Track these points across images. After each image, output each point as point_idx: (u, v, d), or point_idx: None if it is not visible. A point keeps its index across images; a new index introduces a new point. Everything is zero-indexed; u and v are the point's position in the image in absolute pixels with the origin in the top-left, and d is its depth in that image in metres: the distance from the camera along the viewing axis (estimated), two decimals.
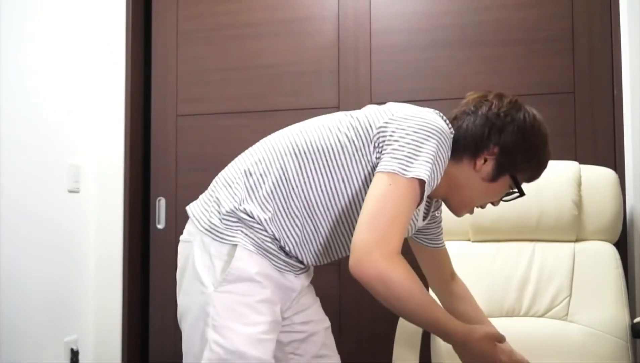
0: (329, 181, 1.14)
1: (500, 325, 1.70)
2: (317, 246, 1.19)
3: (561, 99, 2.05)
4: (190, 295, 1.17)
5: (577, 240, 1.75)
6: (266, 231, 1.15)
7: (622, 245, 1.91)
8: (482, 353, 1.15)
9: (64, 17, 2.26)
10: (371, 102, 2.23)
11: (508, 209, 1.77)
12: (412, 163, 1.05)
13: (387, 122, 1.12)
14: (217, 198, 1.18)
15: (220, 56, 2.41)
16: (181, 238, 1.25)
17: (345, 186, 1.14)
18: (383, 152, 1.10)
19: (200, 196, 1.26)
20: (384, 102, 2.18)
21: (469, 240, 1.87)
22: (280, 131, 1.26)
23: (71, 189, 2.28)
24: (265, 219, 1.14)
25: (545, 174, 1.73)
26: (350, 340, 2.21)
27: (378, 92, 2.22)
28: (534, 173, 1.23)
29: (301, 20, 2.33)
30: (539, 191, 1.74)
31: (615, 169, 1.95)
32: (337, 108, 2.26)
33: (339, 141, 1.14)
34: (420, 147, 1.07)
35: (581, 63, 2.04)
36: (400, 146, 1.08)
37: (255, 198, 1.15)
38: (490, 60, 2.12)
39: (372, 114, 1.16)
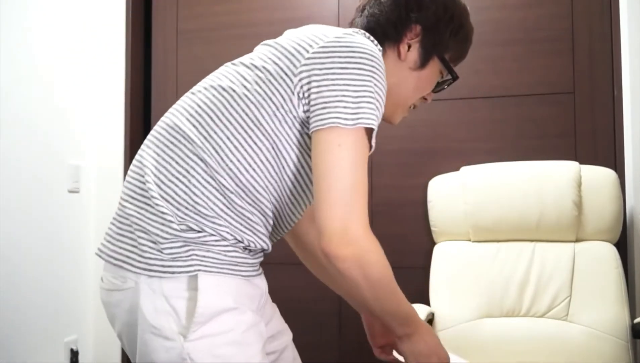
0: (257, 156, 0.91)
1: (500, 325, 1.71)
2: (269, 227, 0.98)
3: (561, 99, 2.05)
4: (150, 356, 0.88)
5: (577, 240, 1.75)
6: (225, 239, 0.91)
7: (622, 245, 1.91)
8: (431, 348, 1.05)
9: (64, 17, 2.26)
10: None
11: (508, 210, 1.77)
12: (351, 107, 0.87)
13: (305, 64, 0.90)
14: (139, 226, 0.90)
15: (220, 56, 2.41)
16: (104, 286, 0.96)
17: (277, 156, 0.92)
18: (311, 102, 0.89)
19: (108, 234, 0.97)
20: None
21: (469, 240, 1.87)
22: (169, 118, 0.97)
23: (71, 189, 2.28)
24: (215, 227, 0.90)
25: (545, 174, 1.75)
26: (351, 340, 2.21)
27: None
28: (461, 49, 1.13)
29: (301, 20, 2.32)
30: (539, 191, 1.74)
31: (615, 170, 1.95)
32: None
33: (255, 105, 0.91)
34: (355, 85, 0.87)
35: (581, 63, 2.04)
36: (330, 91, 0.87)
37: (189, 209, 0.89)
38: (490, 60, 2.12)
39: (282, 57, 0.93)
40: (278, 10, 2.35)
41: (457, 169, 2.03)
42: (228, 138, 0.90)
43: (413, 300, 2.13)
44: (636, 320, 1.61)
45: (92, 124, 2.43)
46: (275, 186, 0.94)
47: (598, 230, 1.74)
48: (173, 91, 2.46)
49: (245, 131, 0.91)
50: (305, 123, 0.92)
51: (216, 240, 0.90)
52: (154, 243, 0.89)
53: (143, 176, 0.92)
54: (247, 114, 0.91)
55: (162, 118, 0.99)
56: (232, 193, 0.91)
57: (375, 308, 0.98)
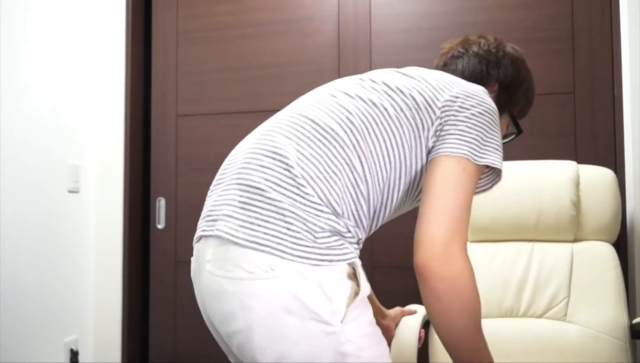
0: (391, 173, 0.98)
1: (498, 325, 1.70)
2: (367, 234, 1.04)
3: (561, 99, 2.05)
4: (305, 342, 0.89)
5: (575, 240, 1.75)
6: (354, 237, 0.97)
7: (622, 245, 1.91)
8: None
9: (64, 17, 2.27)
10: None
11: (506, 210, 1.76)
12: (481, 147, 0.96)
13: (449, 100, 0.99)
14: (294, 213, 0.91)
15: (220, 56, 2.41)
16: (233, 275, 0.92)
17: (403, 177, 1.00)
18: (445, 131, 0.97)
19: (237, 213, 0.94)
20: None
21: (468, 240, 1.87)
22: (310, 106, 1.02)
23: (71, 189, 2.28)
24: (350, 226, 0.95)
25: (543, 174, 1.75)
26: None
27: None
28: (527, 108, 1.24)
29: (301, 20, 2.33)
30: (538, 190, 1.74)
31: (615, 170, 1.95)
32: None
33: (403, 128, 0.98)
34: (488, 131, 0.98)
35: (581, 63, 2.04)
36: (468, 127, 0.96)
37: (331, 204, 0.93)
38: None
39: (427, 90, 1.01)
40: (278, 10, 2.35)
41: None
42: (374, 151, 0.97)
43: (412, 301, 2.14)
44: (635, 321, 1.60)
45: (92, 124, 2.43)
46: (390, 202, 1.01)
47: (596, 229, 1.74)
48: (173, 91, 2.46)
49: (388, 149, 0.97)
50: (429, 152, 1.00)
51: (351, 237, 0.96)
52: (310, 232, 0.90)
53: (287, 165, 0.94)
54: (394, 135, 0.98)
55: (291, 111, 1.02)
56: (364, 199, 0.96)
57: (454, 344, 0.95)
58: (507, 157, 2.06)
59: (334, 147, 0.95)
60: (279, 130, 0.99)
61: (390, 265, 2.18)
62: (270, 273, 0.89)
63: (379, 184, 0.97)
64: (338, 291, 0.91)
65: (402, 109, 0.99)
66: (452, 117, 0.98)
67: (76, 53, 2.34)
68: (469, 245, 1.85)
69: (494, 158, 0.97)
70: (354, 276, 0.94)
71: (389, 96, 1.00)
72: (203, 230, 1.00)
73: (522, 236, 1.78)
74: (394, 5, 2.23)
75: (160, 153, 2.47)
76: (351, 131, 0.96)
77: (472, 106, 0.98)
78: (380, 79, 1.04)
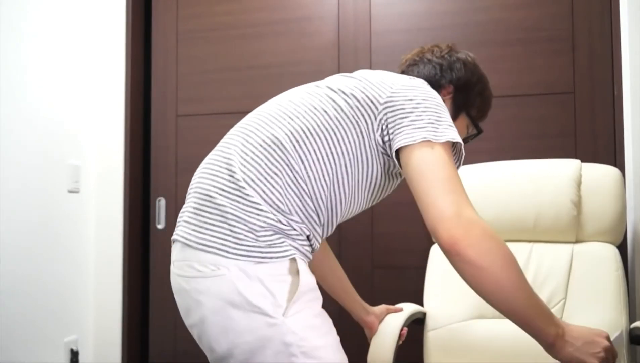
0: (334, 169, 1.05)
1: (491, 326, 1.69)
2: (321, 229, 1.10)
3: (561, 99, 2.05)
4: (251, 333, 0.97)
5: (577, 241, 1.71)
6: (301, 234, 1.04)
7: (622, 246, 1.90)
8: (591, 335, 1.00)
9: (64, 17, 2.27)
10: None
11: (505, 210, 1.75)
12: (437, 128, 1.02)
13: (392, 96, 1.06)
14: (235, 216, 1.00)
15: (220, 56, 2.41)
16: (184, 274, 1.03)
17: (349, 167, 1.06)
18: (398, 124, 1.04)
19: (191, 219, 1.05)
20: None
21: None
22: (259, 116, 1.11)
23: (71, 189, 2.28)
24: (295, 223, 1.02)
25: (544, 173, 1.73)
26: (351, 340, 2.21)
27: None
28: (484, 108, 1.31)
29: (301, 20, 2.33)
30: (537, 191, 1.72)
31: None
32: None
33: (343, 126, 1.06)
34: (436, 113, 1.04)
35: (581, 63, 2.04)
36: (417, 115, 1.03)
37: (272, 206, 1.01)
38: (490, 60, 2.12)
39: (369, 88, 1.08)
40: (278, 10, 2.35)
41: (458, 169, 2.02)
42: (316, 151, 1.04)
43: (409, 300, 2.14)
44: (633, 325, 1.54)
45: (92, 124, 2.43)
46: (341, 196, 1.08)
47: (599, 230, 1.69)
48: (173, 91, 2.46)
49: (329, 147, 1.05)
50: (378, 144, 1.07)
51: (297, 234, 1.03)
52: (250, 231, 0.99)
53: (231, 171, 1.04)
54: (334, 133, 1.05)
55: (245, 121, 1.12)
56: (307, 196, 1.04)
57: (517, 301, 0.94)
58: (506, 157, 2.06)
59: (274, 150, 1.04)
60: (231, 140, 1.09)
61: (390, 265, 2.18)
62: (216, 271, 0.99)
63: (324, 181, 1.04)
64: (279, 286, 0.98)
65: (342, 109, 1.07)
66: (401, 111, 1.05)
67: (76, 53, 2.34)
68: None
69: (451, 133, 1.02)
70: (295, 271, 1.01)
71: (330, 98, 1.09)
72: (174, 235, 1.11)
73: (521, 236, 1.76)
74: (394, 5, 2.23)
75: (160, 153, 2.47)
76: (292, 134, 1.05)
77: (415, 95, 1.06)
78: (325, 84, 1.13)
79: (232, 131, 1.13)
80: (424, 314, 1.80)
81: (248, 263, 0.98)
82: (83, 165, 2.37)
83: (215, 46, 2.42)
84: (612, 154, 1.99)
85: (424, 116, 1.03)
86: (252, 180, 1.02)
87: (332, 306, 2.22)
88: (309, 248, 1.07)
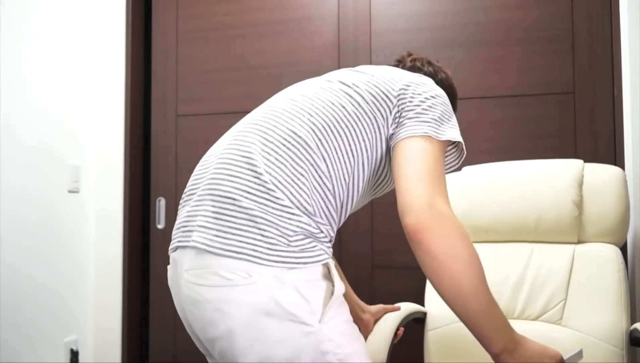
0: (355, 166, 1.04)
1: None
2: (338, 226, 1.10)
3: (561, 99, 2.05)
4: (285, 343, 0.93)
5: (579, 242, 1.70)
6: (327, 236, 1.00)
7: (624, 247, 1.90)
8: (540, 351, 0.99)
9: (64, 17, 2.27)
10: None
11: (505, 210, 1.75)
12: (440, 126, 1.03)
13: (403, 89, 1.08)
14: (265, 220, 0.94)
15: (220, 56, 2.41)
16: (210, 282, 0.95)
17: (368, 167, 1.06)
18: (403, 117, 1.05)
19: (210, 224, 0.98)
20: None
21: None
22: (274, 112, 1.07)
23: (71, 189, 2.28)
24: (322, 224, 0.99)
25: (545, 173, 1.73)
26: None
27: None
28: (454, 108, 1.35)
29: (301, 20, 2.33)
30: (538, 191, 1.71)
31: None
32: None
33: (362, 122, 1.05)
34: (442, 112, 1.06)
35: (581, 63, 2.04)
36: (423, 110, 1.04)
37: (303, 206, 0.97)
38: (490, 60, 2.12)
39: (381, 83, 1.09)
40: (278, 10, 2.35)
41: (459, 169, 2.02)
42: (337, 148, 1.02)
43: (409, 300, 2.14)
44: (632, 327, 1.52)
45: (92, 124, 2.43)
46: (357, 188, 1.06)
47: (601, 231, 1.67)
48: (173, 91, 2.46)
49: (349, 144, 1.03)
50: (389, 139, 1.06)
51: (324, 237, 0.99)
52: (283, 236, 0.94)
53: (256, 172, 0.97)
54: (354, 130, 1.04)
55: (258, 116, 1.07)
56: (331, 194, 1.01)
57: (471, 304, 0.94)
58: (507, 157, 2.06)
59: (298, 149, 1.00)
60: (246, 137, 1.03)
61: (390, 265, 2.18)
62: (248, 279, 0.92)
63: (344, 179, 1.02)
64: (314, 292, 0.94)
65: (359, 105, 1.05)
66: (409, 104, 1.05)
67: (76, 53, 2.34)
68: None
69: (453, 133, 1.03)
70: (328, 276, 0.98)
71: (346, 93, 1.07)
72: (179, 241, 1.02)
73: (522, 237, 1.75)
74: (394, 5, 2.23)
75: (160, 153, 2.47)
76: (313, 132, 1.01)
77: (424, 91, 1.07)
78: (337, 78, 1.11)
79: (243, 127, 1.07)
80: (424, 314, 1.80)
81: (281, 270, 0.92)
82: (83, 165, 2.37)
83: (215, 46, 2.42)
84: (612, 154, 1.99)
85: (429, 111, 1.04)
86: (280, 182, 0.96)
87: None
88: (331, 250, 1.03)
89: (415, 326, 1.94)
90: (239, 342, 0.93)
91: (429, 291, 1.85)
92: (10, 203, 1.98)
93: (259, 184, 0.96)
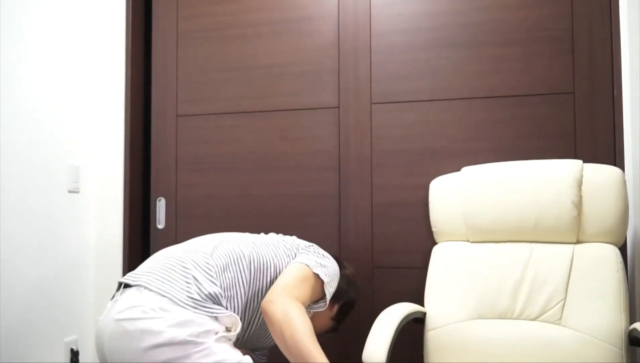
0: (266, 283, 1.53)
1: (491, 326, 1.69)
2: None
3: (561, 99, 2.05)
4: (184, 358, 1.29)
5: (578, 242, 1.70)
6: (230, 317, 1.42)
7: (623, 247, 1.90)
8: None
9: (64, 17, 2.27)
10: (371, 103, 2.23)
11: (505, 210, 1.75)
12: (315, 266, 1.51)
13: (299, 247, 1.65)
14: (194, 278, 1.39)
15: (220, 56, 2.41)
16: (135, 315, 1.31)
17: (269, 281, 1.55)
18: (298, 253, 1.60)
19: (161, 275, 1.40)
20: (384, 103, 2.20)
21: (468, 241, 1.86)
22: (239, 241, 1.58)
23: (71, 190, 2.28)
24: (224, 303, 1.42)
25: (544, 174, 1.74)
26: (351, 340, 2.21)
27: (378, 93, 2.22)
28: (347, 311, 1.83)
29: (301, 20, 2.33)
30: (538, 191, 1.72)
31: None
32: (337, 108, 2.26)
33: (278, 257, 1.58)
34: (326, 265, 1.56)
35: (581, 63, 2.04)
36: (306, 254, 1.58)
37: (221, 283, 1.43)
38: (491, 60, 2.12)
39: (296, 240, 1.68)
40: (278, 10, 2.35)
41: (459, 169, 2.02)
42: (260, 271, 1.56)
43: (409, 300, 2.14)
44: (632, 327, 1.54)
45: (92, 124, 2.43)
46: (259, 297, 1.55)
47: (600, 231, 1.68)
48: (173, 91, 2.46)
49: (268, 271, 1.57)
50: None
51: (227, 316, 1.42)
52: (200, 292, 1.39)
53: (209, 261, 1.48)
54: (272, 262, 1.59)
55: (225, 240, 1.59)
56: (246, 298, 1.51)
57: (293, 354, 1.33)
58: (506, 157, 2.06)
59: (237, 264, 1.50)
60: (195, 253, 1.51)
61: (390, 265, 2.18)
62: (160, 313, 1.30)
63: (256, 295, 1.51)
64: (206, 326, 1.32)
65: (283, 250, 1.61)
66: (304, 250, 1.61)
67: (76, 53, 2.34)
68: (469, 245, 1.85)
69: (322, 274, 1.51)
70: (227, 329, 1.38)
71: (277, 243, 1.63)
72: (127, 279, 1.43)
73: (521, 237, 1.76)
74: (394, 5, 2.23)
75: (160, 153, 2.47)
76: (251, 257, 1.53)
77: (309, 248, 1.63)
78: (276, 237, 1.69)
79: (185, 250, 1.52)
80: (424, 314, 1.80)
81: (188, 311, 1.31)
82: (83, 165, 2.37)
83: (215, 45, 2.42)
84: (612, 154, 1.99)
85: (317, 258, 1.56)
86: (218, 266, 1.46)
87: None
88: (232, 338, 1.40)
89: (415, 326, 1.94)
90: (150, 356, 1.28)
91: (429, 291, 1.85)
92: (11, 202, 1.98)
93: (206, 262, 1.46)
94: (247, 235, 1.65)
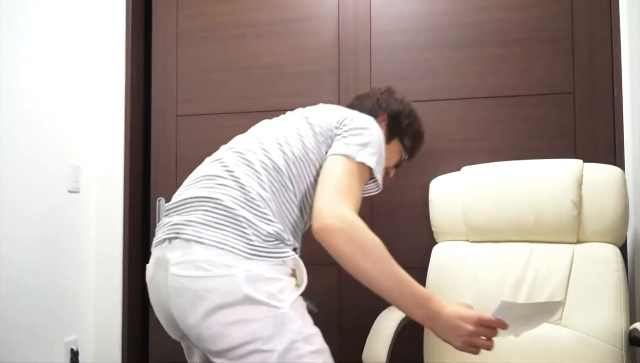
0: (312, 183, 1.30)
1: None
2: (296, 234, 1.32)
3: (561, 99, 2.05)
4: (255, 322, 1.11)
5: (578, 242, 1.70)
6: (293, 245, 1.24)
7: (623, 246, 1.90)
8: (452, 326, 1.17)
9: (64, 18, 2.27)
10: None
11: (505, 210, 1.75)
12: (359, 150, 1.26)
13: (336, 123, 1.35)
14: (246, 219, 1.16)
15: (220, 56, 2.41)
16: (198, 274, 1.12)
17: (313, 178, 1.31)
18: (334, 141, 1.32)
19: (202, 219, 1.18)
20: None
21: (468, 241, 1.87)
22: (259, 138, 1.34)
23: (71, 190, 2.28)
24: (289, 234, 1.24)
25: (544, 173, 1.74)
26: (351, 340, 2.21)
27: None
28: (415, 143, 1.68)
29: (301, 20, 2.33)
30: (538, 191, 1.72)
31: None
32: None
33: (313, 148, 1.32)
34: (368, 141, 1.29)
35: (581, 63, 2.04)
36: (350, 136, 1.30)
37: (278, 216, 1.22)
38: (490, 60, 2.12)
39: (323, 121, 1.36)
40: (278, 10, 2.35)
41: (459, 169, 2.02)
42: (301, 172, 1.29)
43: None
44: (632, 327, 1.53)
45: (92, 124, 2.43)
46: (309, 209, 1.31)
47: (600, 231, 1.68)
48: (173, 91, 2.46)
49: (309, 167, 1.30)
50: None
51: (290, 244, 1.23)
52: (259, 236, 1.16)
53: (241, 184, 1.21)
54: (309, 156, 1.31)
55: (240, 143, 1.34)
56: (297, 208, 1.27)
57: (376, 282, 1.14)
58: (506, 157, 2.06)
59: (272, 172, 1.25)
60: (229, 159, 1.28)
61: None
62: (226, 270, 1.11)
63: (306, 196, 1.29)
64: (281, 284, 1.13)
65: (316, 138, 1.33)
66: (339, 131, 1.32)
67: (76, 53, 2.34)
68: (469, 245, 1.85)
69: (368, 159, 1.25)
70: (293, 274, 1.20)
71: (308, 128, 1.35)
72: (167, 234, 1.21)
73: (522, 237, 1.76)
74: (394, 5, 2.23)
75: (160, 153, 2.47)
76: (284, 159, 1.27)
77: (353, 122, 1.33)
78: (302, 115, 1.40)
79: (225, 151, 1.33)
80: None
81: (255, 262, 1.12)
82: (83, 165, 2.37)
83: (215, 45, 2.42)
84: (612, 154, 1.99)
85: (355, 138, 1.29)
86: (260, 195, 1.20)
87: (331, 305, 2.23)
88: (296, 255, 1.23)
89: (415, 326, 1.94)
90: (212, 326, 1.11)
91: (429, 291, 1.85)
92: (11, 203, 1.98)
93: (244, 194, 1.19)
94: (266, 130, 1.37)
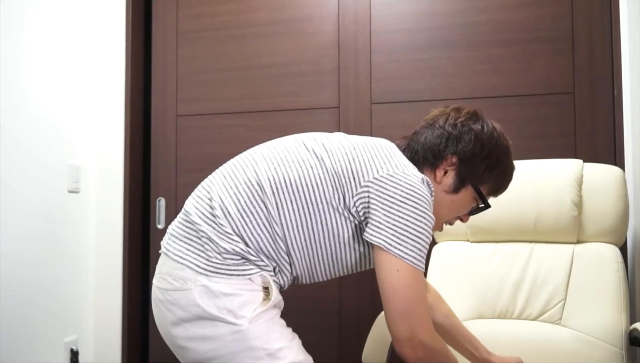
0: (306, 225, 1.12)
1: (492, 326, 1.68)
2: (292, 274, 1.19)
3: (561, 99, 2.05)
4: (215, 340, 1.08)
5: (578, 242, 1.69)
6: (269, 267, 1.14)
7: (623, 247, 1.89)
8: None
9: (64, 18, 2.27)
10: (371, 103, 2.22)
11: (506, 210, 1.75)
12: (398, 237, 1.06)
13: (373, 181, 1.10)
14: (206, 235, 1.11)
15: (220, 56, 2.41)
16: (166, 286, 1.12)
17: (325, 231, 1.13)
18: (371, 211, 1.09)
19: (174, 232, 1.16)
20: (384, 103, 2.20)
21: (468, 241, 1.86)
22: (250, 159, 1.18)
23: (71, 189, 2.28)
24: (267, 259, 1.13)
25: (544, 173, 1.73)
26: (351, 340, 2.21)
27: (378, 92, 2.22)
28: (499, 183, 1.26)
29: (301, 20, 2.33)
30: (538, 191, 1.71)
31: None
32: (337, 108, 2.25)
33: (319, 189, 1.12)
34: (407, 220, 1.07)
35: (581, 63, 2.04)
36: (385, 214, 1.08)
37: (245, 236, 1.11)
38: (490, 60, 2.12)
39: (353, 163, 1.13)
40: (278, 10, 2.35)
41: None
42: (290, 202, 1.11)
43: None
44: (632, 327, 1.52)
45: (92, 124, 2.43)
46: (314, 251, 1.15)
47: (600, 231, 1.67)
48: (173, 91, 2.46)
49: (306, 203, 1.12)
50: (351, 212, 1.12)
51: (265, 266, 1.13)
52: (219, 253, 1.10)
53: (211, 200, 1.14)
54: (311, 192, 1.12)
55: (240, 158, 1.20)
56: (281, 240, 1.12)
57: None
58: None
59: (253, 192, 1.12)
60: (216, 174, 1.19)
61: None
62: (184, 285, 1.10)
63: (297, 231, 1.12)
64: (241, 299, 1.08)
65: (326, 171, 1.12)
66: (375, 198, 1.09)
67: (76, 53, 2.34)
68: (469, 245, 1.84)
69: (406, 250, 1.06)
70: (260, 288, 1.11)
71: (317, 157, 1.14)
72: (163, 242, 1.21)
73: (522, 237, 1.75)
74: (394, 5, 2.23)
75: (160, 153, 2.47)
76: (273, 180, 1.12)
77: (395, 192, 1.08)
78: (322, 140, 1.19)
79: (225, 165, 1.22)
80: None
81: (212, 278, 1.09)
82: (83, 165, 2.37)
83: (215, 46, 2.42)
84: (612, 154, 1.99)
85: (391, 218, 1.07)
86: (229, 212, 1.11)
87: (331, 305, 2.23)
88: (274, 278, 1.14)
89: None
90: (178, 339, 1.14)
91: None
92: (11, 203, 1.98)
93: (210, 209, 1.13)
94: (271, 147, 1.20)
